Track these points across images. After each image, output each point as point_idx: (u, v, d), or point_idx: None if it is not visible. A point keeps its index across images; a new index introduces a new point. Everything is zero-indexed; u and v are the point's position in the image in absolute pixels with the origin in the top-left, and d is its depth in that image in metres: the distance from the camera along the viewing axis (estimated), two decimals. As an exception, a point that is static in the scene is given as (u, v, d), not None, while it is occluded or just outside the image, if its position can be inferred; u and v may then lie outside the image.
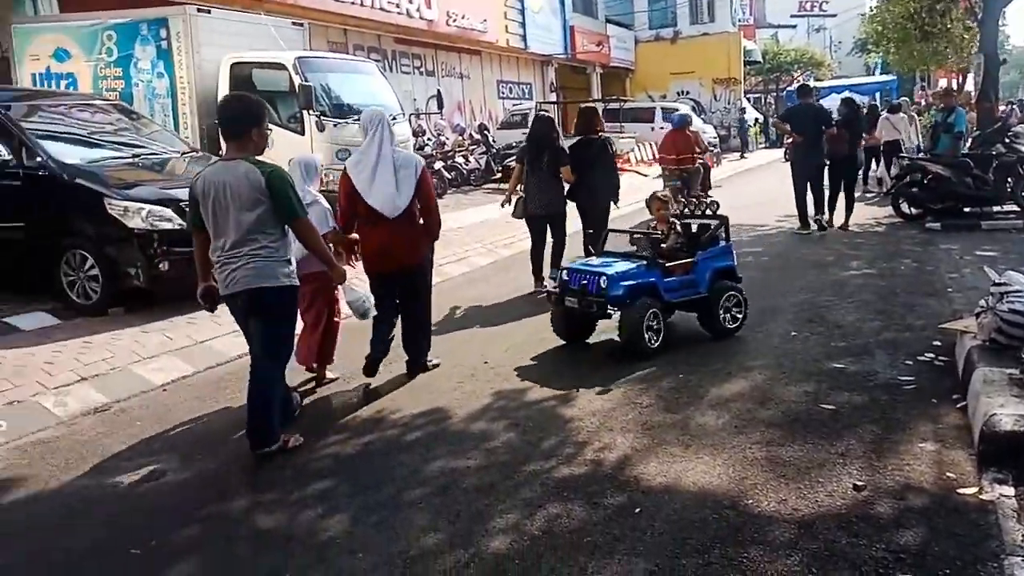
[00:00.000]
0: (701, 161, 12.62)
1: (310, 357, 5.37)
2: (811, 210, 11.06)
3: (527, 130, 8.75)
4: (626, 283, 5.59)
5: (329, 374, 5.52)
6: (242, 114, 4.21)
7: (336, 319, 5.46)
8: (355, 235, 5.28)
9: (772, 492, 3.55)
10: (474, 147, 19.00)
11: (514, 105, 24.34)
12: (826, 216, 11.19)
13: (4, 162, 6.94)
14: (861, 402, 4.58)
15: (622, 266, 5.74)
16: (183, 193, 7.16)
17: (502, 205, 8.26)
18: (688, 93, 31.23)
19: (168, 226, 6.91)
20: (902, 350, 5.51)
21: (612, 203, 8.07)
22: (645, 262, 5.78)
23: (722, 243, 6.26)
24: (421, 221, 5.33)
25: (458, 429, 4.52)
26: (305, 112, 9.16)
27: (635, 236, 6.42)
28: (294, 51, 10.65)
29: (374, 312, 5.05)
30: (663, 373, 5.25)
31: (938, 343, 5.57)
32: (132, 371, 5.75)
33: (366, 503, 3.65)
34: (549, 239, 7.95)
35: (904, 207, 11.77)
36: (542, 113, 8.31)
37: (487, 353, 5.90)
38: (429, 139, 17.77)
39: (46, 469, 4.30)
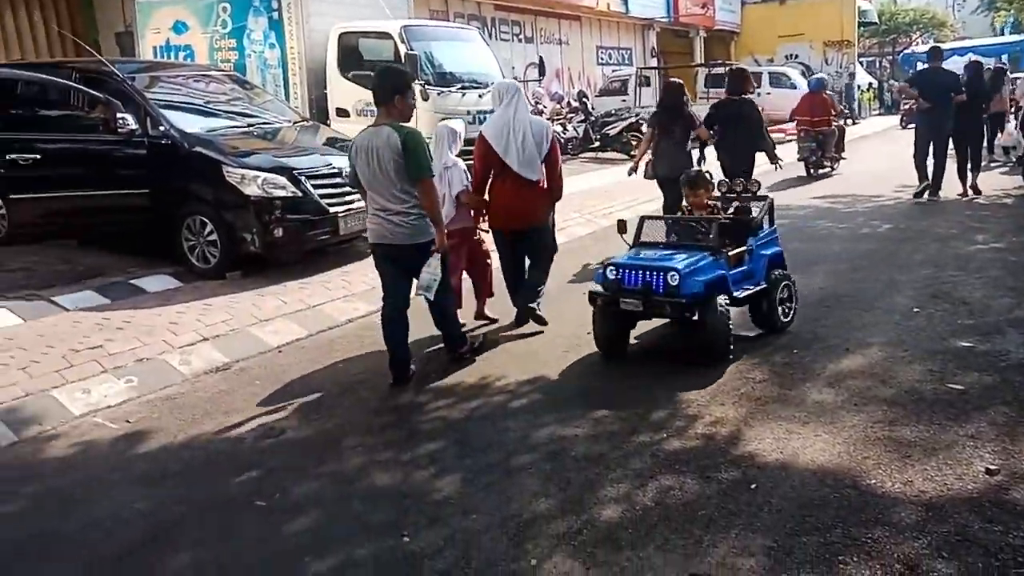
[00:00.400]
0: (837, 124, 12.86)
1: (458, 300, 5.83)
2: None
3: (626, 95, 8.76)
4: (702, 278, 4.71)
5: (488, 313, 6.12)
6: (388, 83, 4.76)
7: (488, 262, 6.09)
8: (485, 197, 5.75)
9: (896, 473, 3.40)
10: (572, 115, 18.79)
11: (613, 71, 23.92)
12: (960, 188, 10.82)
13: (131, 131, 7.29)
14: (992, 383, 4.33)
15: (688, 258, 4.81)
16: (295, 162, 7.48)
17: (629, 173, 8.51)
18: (797, 57, 29.87)
19: (282, 193, 7.13)
20: (1037, 329, 5.16)
21: (771, 163, 8.44)
22: (710, 252, 4.90)
23: (767, 228, 5.54)
24: (545, 185, 5.65)
25: (564, 397, 4.53)
26: (410, 81, 9.28)
27: (682, 222, 5.46)
28: (399, 20, 10.75)
29: (431, 296, 4.94)
30: (775, 348, 5.09)
31: (1078, 323, 5.19)
32: (250, 332, 6.01)
33: (476, 466, 3.71)
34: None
35: (1036, 177, 10.97)
36: (673, 80, 8.31)
37: (589, 324, 5.85)
38: (528, 107, 17.68)
39: (174, 423, 4.55)
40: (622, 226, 5.21)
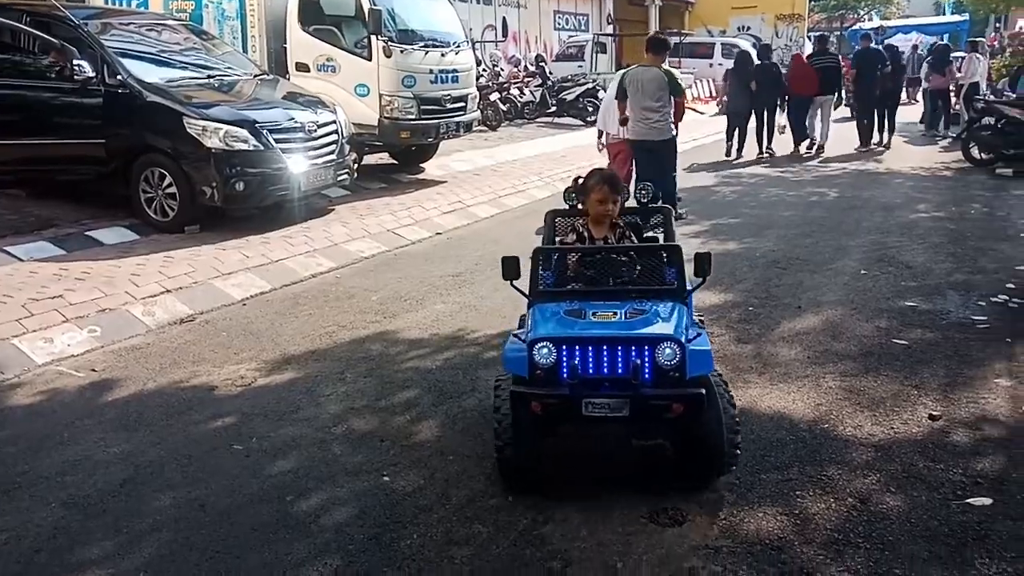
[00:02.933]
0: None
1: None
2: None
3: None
4: (706, 347, 3.05)
5: None
6: (663, 45, 7.92)
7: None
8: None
9: (848, 419, 3.63)
10: (530, 79, 18.76)
11: (570, 37, 23.89)
12: (880, 138, 13.71)
13: (87, 79, 7.09)
14: (934, 339, 4.60)
15: (664, 316, 3.06)
16: (257, 114, 7.38)
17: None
18: (749, 29, 30.20)
19: (243, 147, 7.05)
20: (974, 291, 5.47)
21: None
22: (678, 299, 3.17)
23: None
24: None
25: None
26: (373, 38, 9.14)
27: (600, 255, 3.42)
28: (361, -25, 10.54)
29: None
30: (732, 305, 5.30)
31: (1011, 286, 5.52)
32: (213, 285, 5.98)
33: (452, 411, 3.83)
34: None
35: (975, 152, 11.44)
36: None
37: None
38: (484, 70, 17.57)
39: (143, 372, 4.55)
40: (511, 268, 3.20)
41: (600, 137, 8.56)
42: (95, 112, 7.27)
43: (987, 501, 2.93)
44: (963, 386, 3.94)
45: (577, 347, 2.93)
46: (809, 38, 33.48)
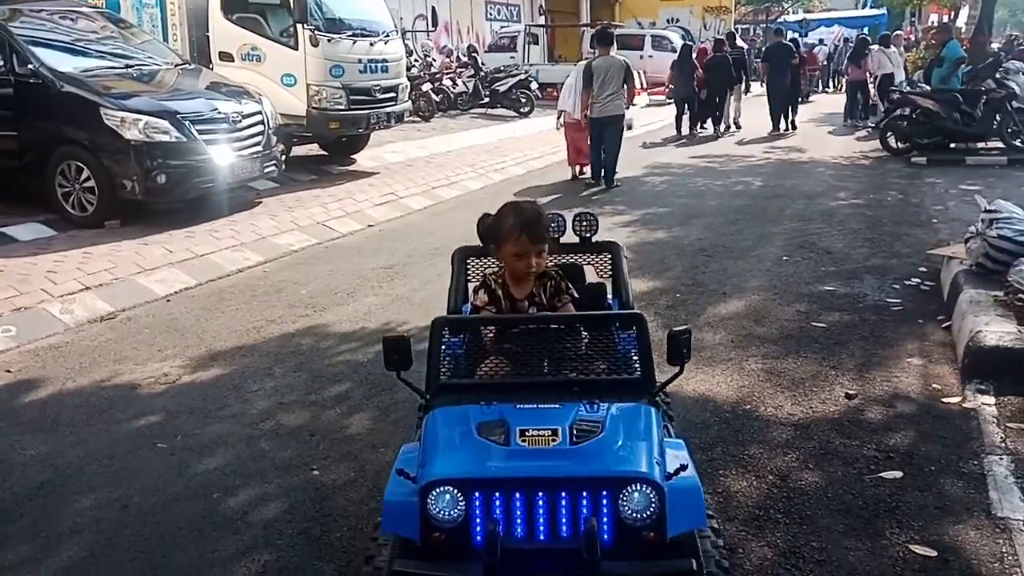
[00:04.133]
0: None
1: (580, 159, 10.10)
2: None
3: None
4: (692, 483, 2.01)
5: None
6: (611, 37, 10.14)
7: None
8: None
9: (769, 399, 3.75)
10: (462, 69, 18.71)
11: (502, 27, 23.89)
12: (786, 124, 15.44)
13: (-6, 69, 6.80)
14: (851, 321, 4.79)
15: (632, 437, 2.07)
16: (179, 105, 7.19)
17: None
18: (678, 21, 30.71)
19: (164, 138, 6.86)
20: (889, 275, 5.71)
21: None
22: (638, 397, 2.20)
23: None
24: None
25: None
26: (299, 26, 8.98)
27: (530, 327, 2.45)
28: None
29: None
30: (660, 292, 5.41)
31: (924, 269, 5.78)
32: (135, 281, 5.81)
33: (383, 404, 3.81)
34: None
35: (892, 141, 11.90)
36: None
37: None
38: (416, 60, 17.45)
39: (61, 371, 4.39)
40: (398, 353, 2.23)
41: (559, 118, 10.25)
42: (5, 103, 6.98)
43: (898, 474, 3.08)
44: (878, 366, 4.12)
45: (498, 494, 1.89)
46: (736, 31, 34.28)
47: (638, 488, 1.87)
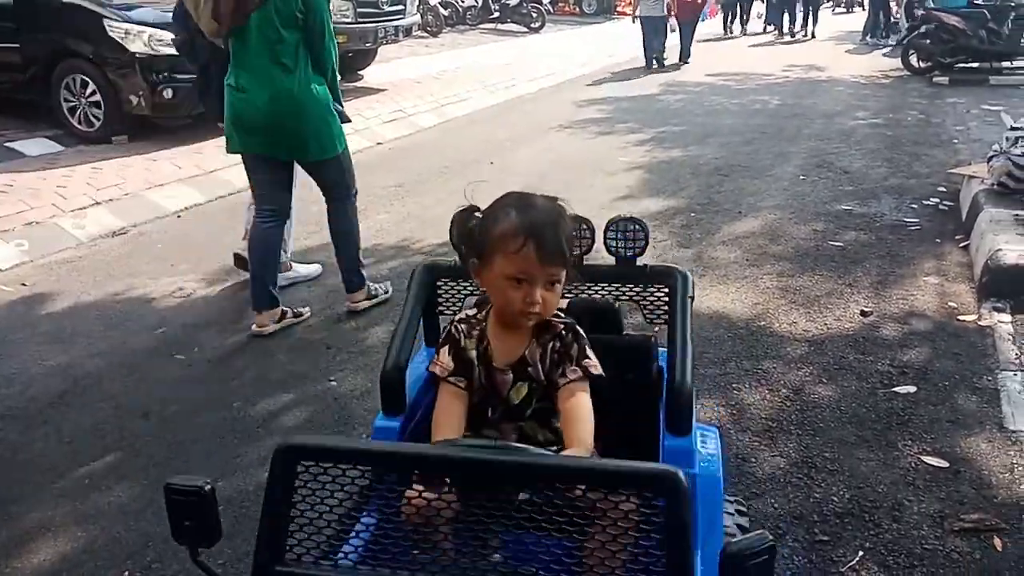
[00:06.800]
0: None
1: None
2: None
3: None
4: None
5: None
6: None
7: None
8: None
9: (784, 316, 3.75)
10: (472, -16, 18.15)
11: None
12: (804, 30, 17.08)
13: (-6, -22, 6.62)
14: (868, 240, 4.74)
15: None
16: (184, 16, 6.99)
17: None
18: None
19: (171, 51, 6.68)
20: (908, 195, 5.62)
21: None
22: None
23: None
24: None
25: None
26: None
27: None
28: None
29: None
30: (675, 212, 5.35)
31: (943, 189, 5.69)
32: (145, 197, 5.78)
33: (396, 318, 3.79)
34: None
35: (913, 60, 11.56)
36: None
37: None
38: (425, -26, 16.91)
39: (76, 285, 4.41)
40: (188, 506, 1.11)
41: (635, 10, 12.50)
42: (6, 15, 6.81)
43: (912, 389, 3.09)
44: (894, 284, 4.09)
45: None
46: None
47: None
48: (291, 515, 1.10)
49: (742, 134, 7.74)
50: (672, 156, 6.93)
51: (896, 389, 3.09)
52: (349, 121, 3.92)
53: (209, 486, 1.11)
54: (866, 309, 3.77)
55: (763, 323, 3.68)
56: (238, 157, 3.82)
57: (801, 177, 6.13)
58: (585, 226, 1.74)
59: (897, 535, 2.32)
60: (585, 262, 1.75)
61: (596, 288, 1.88)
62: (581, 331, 1.57)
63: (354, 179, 3.87)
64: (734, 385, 3.15)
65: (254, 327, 3.71)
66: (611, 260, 1.84)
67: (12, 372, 3.44)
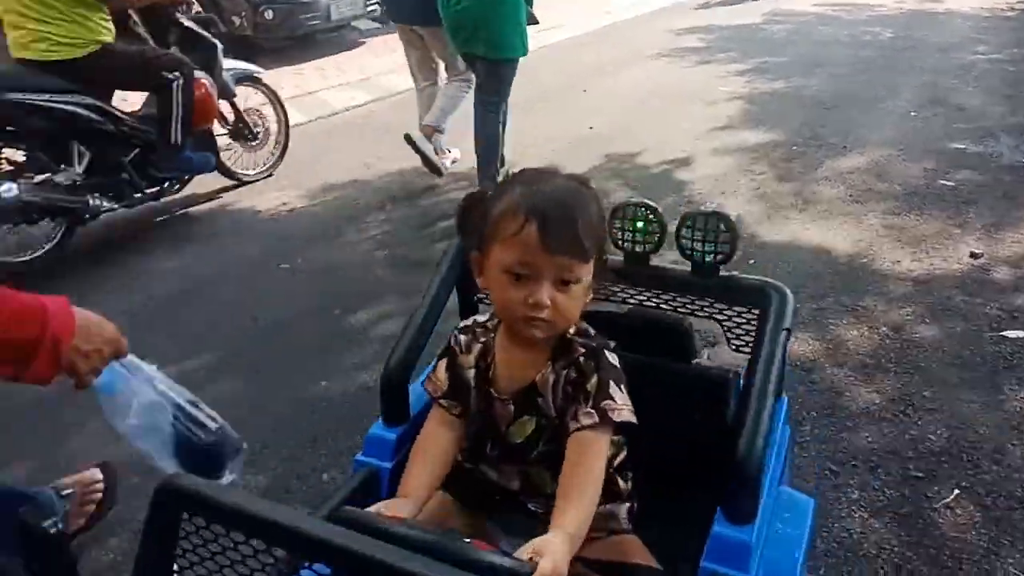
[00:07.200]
0: None
1: None
2: None
3: None
4: None
5: None
6: None
7: None
8: None
9: (887, 254, 3.63)
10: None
11: None
12: None
13: None
14: (982, 181, 4.50)
15: None
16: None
17: None
18: None
19: (273, -29, 6.79)
20: (1029, 135, 5.29)
21: None
22: None
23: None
24: None
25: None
26: None
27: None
28: None
29: None
30: (776, 144, 5.18)
31: (1069, 130, 5.32)
32: (249, 115, 5.94)
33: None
34: None
35: (1045, -10, 10.69)
36: None
37: (592, 119, 5.87)
38: None
39: (180, 196, 4.60)
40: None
41: None
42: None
43: (1022, 334, 2.97)
44: (1008, 227, 3.89)
45: None
46: None
47: None
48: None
49: (851, 65, 7.36)
50: (775, 87, 6.67)
51: (1005, 333, 2.97)
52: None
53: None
54: (976, 251, 3.61)
55: (865, 260, 3.58)
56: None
57: (912, 113, 5.82)
58: (652, 215, 1.43)
59: (997, 476, 2.28)
60: (652, 263, 1.46)
61: (658, 297, 1.50)
62: (611, 359, 1.18)
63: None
64: (831, 320, 3.09)
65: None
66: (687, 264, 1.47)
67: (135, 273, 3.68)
